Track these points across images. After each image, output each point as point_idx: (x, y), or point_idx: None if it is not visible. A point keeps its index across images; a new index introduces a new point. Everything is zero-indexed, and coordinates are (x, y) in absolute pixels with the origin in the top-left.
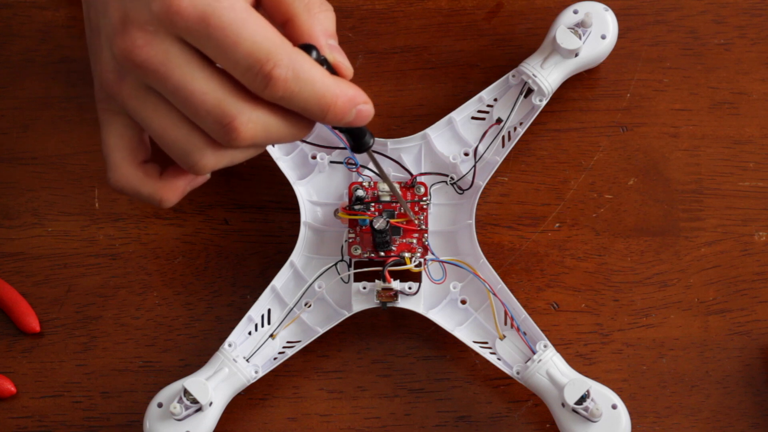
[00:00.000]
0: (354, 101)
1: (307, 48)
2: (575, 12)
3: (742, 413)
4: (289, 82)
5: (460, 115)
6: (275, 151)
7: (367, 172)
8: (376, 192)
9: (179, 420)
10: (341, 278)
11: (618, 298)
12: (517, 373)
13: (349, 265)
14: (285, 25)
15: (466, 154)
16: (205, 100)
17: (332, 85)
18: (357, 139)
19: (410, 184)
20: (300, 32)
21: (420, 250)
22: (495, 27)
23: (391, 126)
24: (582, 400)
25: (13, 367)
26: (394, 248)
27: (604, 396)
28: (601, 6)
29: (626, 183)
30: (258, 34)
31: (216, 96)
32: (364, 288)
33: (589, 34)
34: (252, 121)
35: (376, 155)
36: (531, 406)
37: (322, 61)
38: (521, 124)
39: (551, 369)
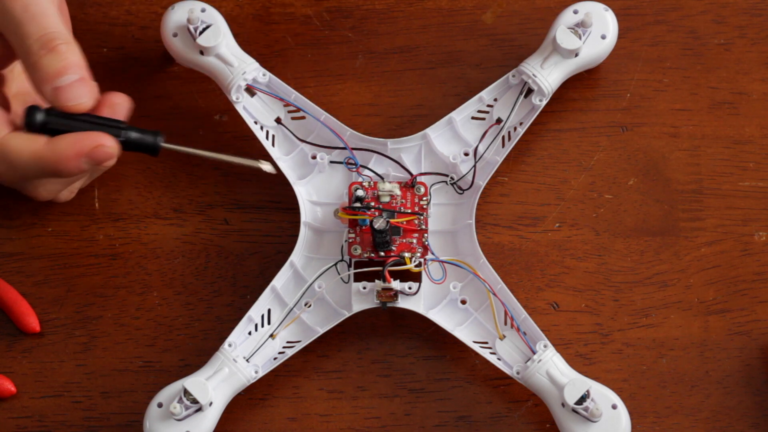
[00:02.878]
0: (78, 156)
1: (29, 113)
2: (575, 12)
3: (742, 413)
4: (9, 171)
5: (460, 115)
6: (275, 151)
7: (367, 172)
8: (376, 192)
9: (179, 420)
10: (341, 278)
11: (618, 298)
12: (517, 373)
13: (349, 265)
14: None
15: (466, 154)
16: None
17: (48, 156)
18: (141, 151)
19: (410, 184)
20: (33, 85)
21: (420, 250)
22: (495, 27)
23: (391, 126)
24: (582, 400)
25: (13, 367)
26: (394, 248)
27: (604, 396)
28: (601, 6)
29: (626, 183)
30: None
31: (2, 180)
32: (364, 288)
33: (589, 34)
34: (36, 186)
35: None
36: (531, 406)
37: (42, 123)
38: (521, 124)
39: (551, 369)
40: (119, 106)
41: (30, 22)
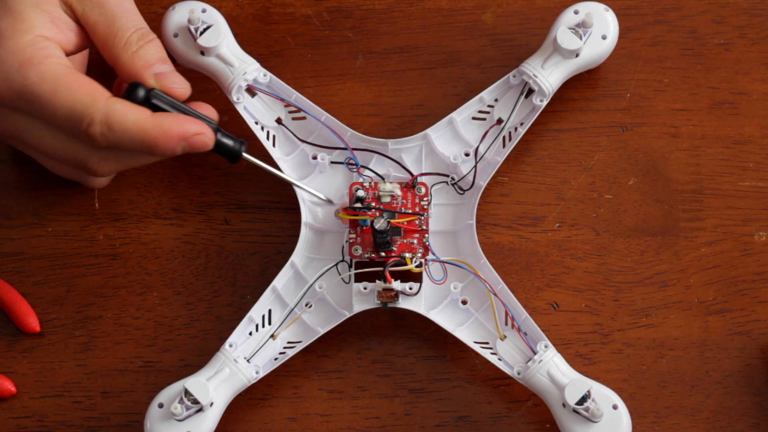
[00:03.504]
0: (180, 137)
1: (132, 88)
2: (576, 12)
3: (742, 413)
4: (107, 135)
5: (461, 116)
6: (276, 151)
7: (367, 172)
8: (376, 192)
9: (180, 420)
10: (342, 279)
11: (618, 298)
12: (518, 373)
13: (350, 266)
14: (114, 66)
15: (467, 155)
16: (57, 154)
17: (151, 128)
18: (222, 155)
19: (411, 185)
20: (125, 72)
21: (421, 250)
22: (495, 27)
23: (391, 126)
24: (583, 400)
25: (13, 367)
26: (394, 248)
27: (604, 396)
28: (601, 6)
29: (626, 183)
30: (70, 97)
31: (65, 148)
32: (365, 288)
33: (589, 35)
34: (103, 159)
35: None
36: (531, 406)
37: (146, 98)
38: (522, 124)
39: (552, 369)
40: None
41: (125, 16)
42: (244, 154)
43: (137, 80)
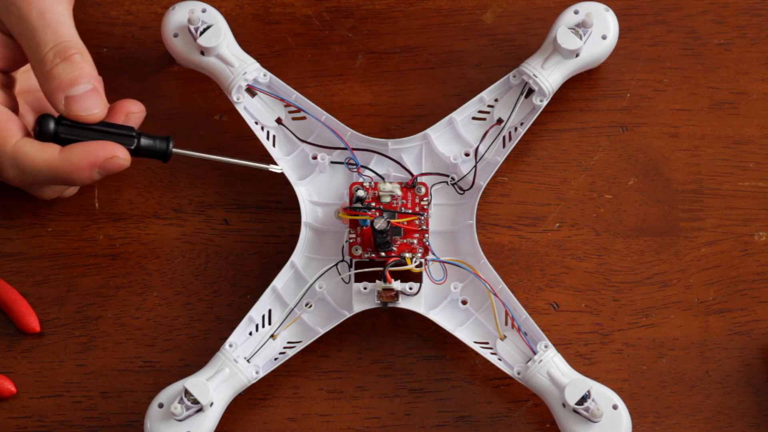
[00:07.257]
0: (91, 166)
1: (41, 121)
2: (576, 12)
3: (742, 413)
4: (20, 177)
5: (461, 116)
6: (276, 151)
7: (367, 172)
8: (376, 192)
9: (180, 420)
10: (342, 279)
11: (618, 298)
12: (518, 373)
13: (350, 266)
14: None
15: (467, 155)
16: (3, 180)
17: (61, 165)
18: (151, 157)
19: (411, 185)
20: (44, 93)
21: (421, 250)
22: (495, 27)
23: (391, 126)
24: (583, 400)
25: (13, 367)
26: (394, 248)
27: (604, 396)
28: (601, 6)
29: (626, 183)
30: None
31: (3, 178)
32: (365, 288)
33: (589, 35)
34: (39, 189)
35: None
36: (531, 406)
37: (56, 130)
38: (522, 124)
39: (552, 369)
40: (134, 116)
41: (46, 30)
42: (174, 150)
43: (51, 103)
